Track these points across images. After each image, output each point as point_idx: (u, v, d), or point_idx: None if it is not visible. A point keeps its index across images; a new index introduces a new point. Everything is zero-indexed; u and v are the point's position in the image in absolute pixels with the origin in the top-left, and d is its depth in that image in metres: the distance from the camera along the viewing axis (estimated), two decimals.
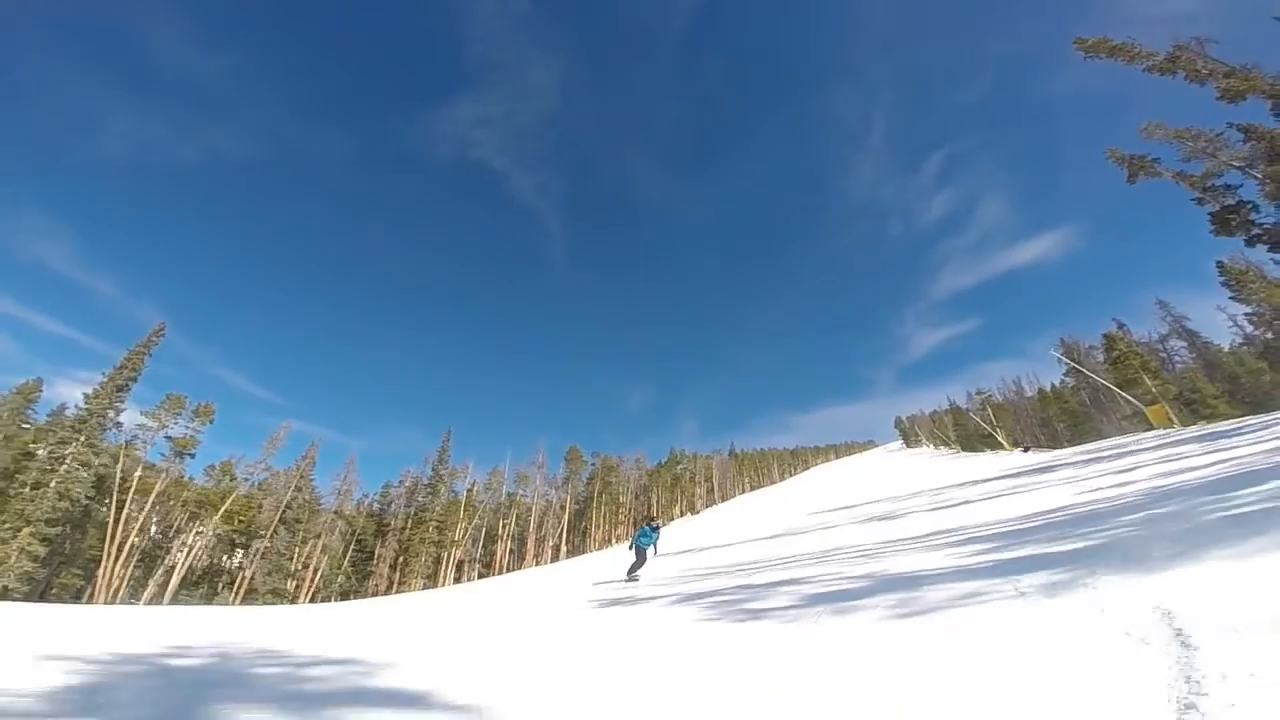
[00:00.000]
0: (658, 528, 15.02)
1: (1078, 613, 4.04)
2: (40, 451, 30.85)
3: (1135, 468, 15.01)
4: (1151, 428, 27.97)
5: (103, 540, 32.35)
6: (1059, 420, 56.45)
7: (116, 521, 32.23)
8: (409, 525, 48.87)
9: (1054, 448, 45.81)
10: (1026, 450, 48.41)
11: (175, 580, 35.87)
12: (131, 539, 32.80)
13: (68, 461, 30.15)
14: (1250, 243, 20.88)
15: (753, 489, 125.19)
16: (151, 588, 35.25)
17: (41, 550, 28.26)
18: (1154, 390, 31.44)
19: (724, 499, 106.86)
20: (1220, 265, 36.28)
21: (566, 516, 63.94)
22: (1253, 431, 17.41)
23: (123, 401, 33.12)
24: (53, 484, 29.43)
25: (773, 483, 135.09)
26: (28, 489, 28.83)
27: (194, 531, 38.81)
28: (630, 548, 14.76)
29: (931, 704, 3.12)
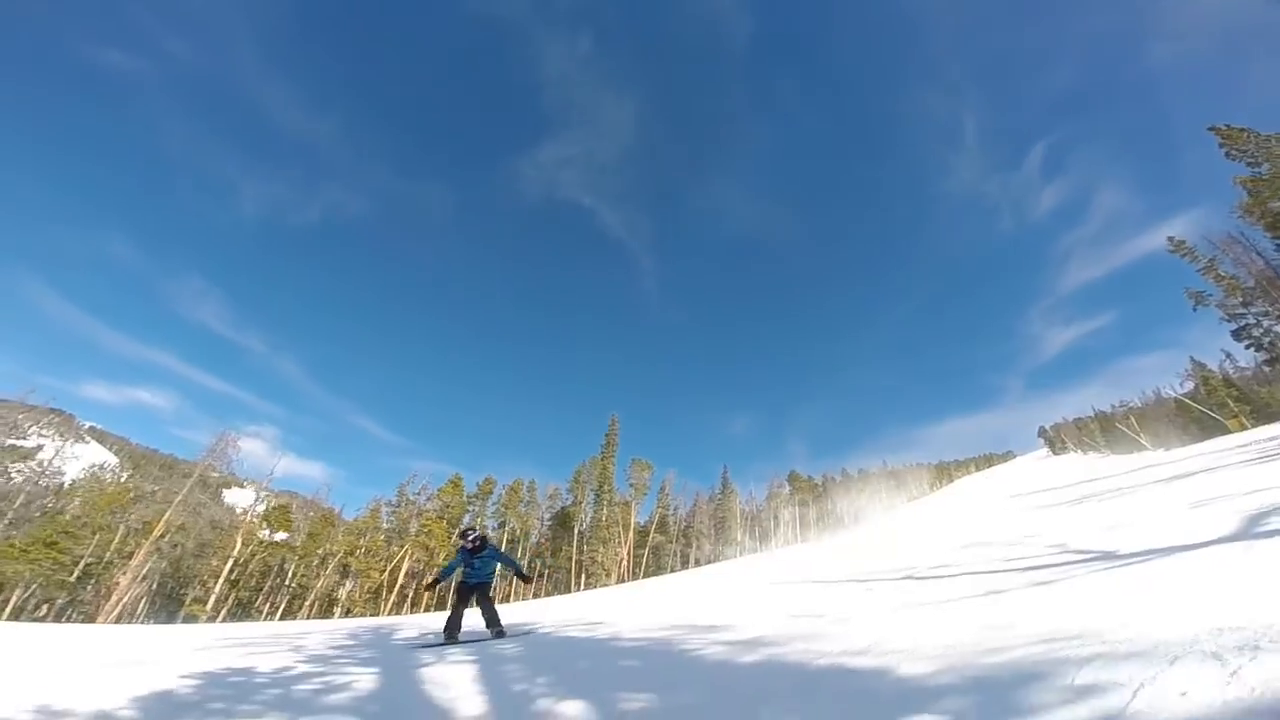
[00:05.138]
0: (483, 543, 7.40)
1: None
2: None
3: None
4: (1230, 432, 50.15)
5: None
6: (1191, 425, 74.88)
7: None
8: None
9: (1191, 444, 65.84)
10: (1169, 450, 68.39)
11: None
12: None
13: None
14: (1247, 347, 44.08)
15: (910, 500, 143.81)
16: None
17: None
18: (1234, 408, 53.21)
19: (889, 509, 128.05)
20: None
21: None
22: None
23: None
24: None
25: (926, 495, 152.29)
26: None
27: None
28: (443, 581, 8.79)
29: None
